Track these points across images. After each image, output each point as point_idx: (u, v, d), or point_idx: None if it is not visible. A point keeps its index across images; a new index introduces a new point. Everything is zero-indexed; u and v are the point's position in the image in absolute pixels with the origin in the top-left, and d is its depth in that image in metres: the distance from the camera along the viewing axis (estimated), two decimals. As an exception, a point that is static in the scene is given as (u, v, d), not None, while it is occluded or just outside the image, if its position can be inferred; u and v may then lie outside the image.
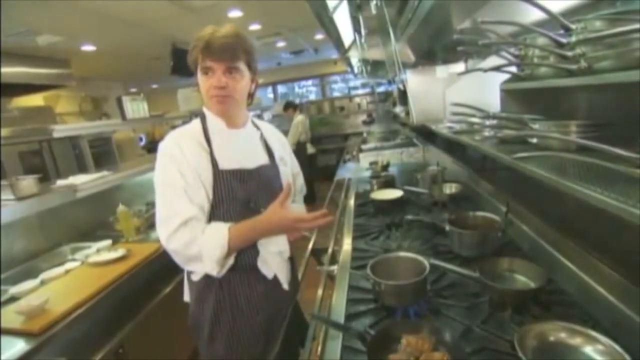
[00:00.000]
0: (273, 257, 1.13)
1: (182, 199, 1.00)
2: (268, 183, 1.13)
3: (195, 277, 1.09)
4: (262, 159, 1.16)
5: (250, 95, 1.16)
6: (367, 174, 2.70)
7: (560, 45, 0.79)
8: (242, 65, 1.04)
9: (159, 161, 1.05)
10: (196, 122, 1.12)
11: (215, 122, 1.10)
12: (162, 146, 1.06)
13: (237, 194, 1.06)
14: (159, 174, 1.04)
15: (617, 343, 0.70)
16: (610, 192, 0.54)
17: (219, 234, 0.99)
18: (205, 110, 1.12)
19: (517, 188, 1.44)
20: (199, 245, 0.99)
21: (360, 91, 8.09)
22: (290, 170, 1.27)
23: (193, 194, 1.01)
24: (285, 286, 1.17)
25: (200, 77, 1.05)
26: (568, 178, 0.66)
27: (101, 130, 3.84)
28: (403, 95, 2.58)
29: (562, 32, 0.79)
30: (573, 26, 0.75)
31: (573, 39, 0.75)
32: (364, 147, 3.80)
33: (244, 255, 1.07)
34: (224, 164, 1.06)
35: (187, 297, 1.18)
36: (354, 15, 2.16)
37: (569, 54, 0.76)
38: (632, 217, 0.50)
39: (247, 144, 1.15)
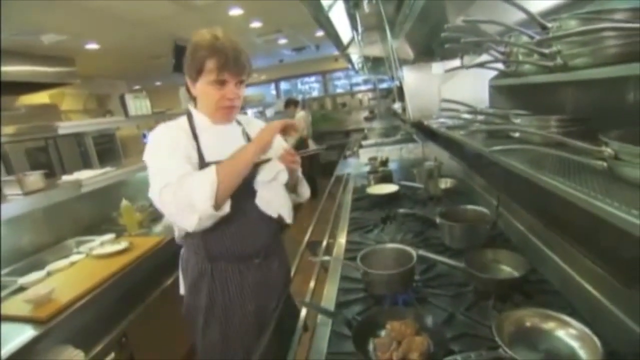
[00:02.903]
0: (271, 190, 1.13)
1: (173, 162, 1.02)
2: (250, 174, 1.14)
3: (192, 227, 1.00)
4: None
5: None
6: (366, 169, 2.74)
7: (538, 42, 0.82)
8: (247, 76, 1.11)
9: (151, 144, 1.09)
10: (183, 119, 1.16)
11: (201, 119, 1.14)
12: (153, 133, 1.11)
13: None
14: (151, 152, 1.07)
15: (591, 328, 0.74)
16: (572, 182, 0.58)
17: (206, 171, 0.99)
18: (191, 108, 1.16)
19: (508, 183, 1.47)
20: (188, 188, 0.96)
21: (363, 87, 8.10)
22: (274, 156, 1.24)
23: (184, 160, 1.04)
24: (289, 220, 1.17)
25: (206, 86, 1.07)
26: (540, 170, 0.69)
27: (105, 127, 3.92)
28: (401, 91, 2.61)
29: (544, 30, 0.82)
30: (549, 25, 0.78)
31: (550, 36, 0.78)
32: (364, 143, 3.83)
33: (234, 245, 1.11)
34: (210, 157, 1.09)
35: (182, 290, 1.23)
36: (350, 13, 2.18)
37: (546, 51, 0.79)
38: (589, 207, 0.53)
39: (230, 138, 1.18)
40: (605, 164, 0.55)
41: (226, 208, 1.02)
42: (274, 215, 1.15)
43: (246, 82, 1.13)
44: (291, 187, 1.24)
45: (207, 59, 1.03)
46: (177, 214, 1.00)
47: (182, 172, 0.99)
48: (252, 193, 1.13)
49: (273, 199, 1.14)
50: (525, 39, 0.91)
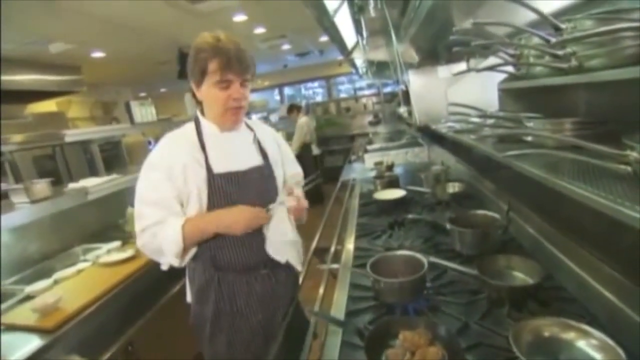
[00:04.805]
0: (281, 243, 1.18)
1: (152, 205, 1.06)
2: (260, 184, 1.15)
3: (165, 267, 1.12)
4: (255, 160, 1.17)
5: None
6: (372, 174, 2.71)
7: (553, 45, 0.80)
8: (251, 76, 1.10)
9: (143, 170, 1.10)
10: (190, 126, 1.14)
11: (209, 127, 1.13)
12: (150, 156, 1.11)
13: (231, 197, 1.08)
14: (141, 183, 1.10)
15: (612, 338, 0.71)
16: (594, 188, 0.56)
17: (174, 231, 1.04)
18: (199, 115, 1.15)
19: (519, 187, 1.44)
20: (159, 242, 1.06)
21: (367, 92, 8.10)
22: (282, 170, 1.27)
23: (167, 200, 1.07)
24: (299, 267, 1.25)
25: (211, 88, 1.05)
26: (559, 176, 0.67)
27: (111, 134, 3.94)
28: (406, 95, 2.60)
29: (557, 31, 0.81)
30: (563, 26, 0.76)
31: (566, 38, 0.76)
32: (369, 147, 3.81)
33: (241, 255, 1.10)
34: (218, 168, 1.08)
35: (189, 299, 1.21)
36: (355, 18, 2.18)
37: (560, 53, 0.77)
38: (616, 214, 0.51)
39: (240, 146, 1.17)
40: (629, 169, 0.53)
41: (191, 252, 1.11)
42: (283, 261, 1.18)
43: (251, 83, 1.11)
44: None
45: (210, 60, 1.02)
46: (152, 256, 1.13)
47: (153, 220, 1.06)
48: (260, 205, 1.12)
49: (281, 249, 1.18)
50: (536, 40, 0.90)
